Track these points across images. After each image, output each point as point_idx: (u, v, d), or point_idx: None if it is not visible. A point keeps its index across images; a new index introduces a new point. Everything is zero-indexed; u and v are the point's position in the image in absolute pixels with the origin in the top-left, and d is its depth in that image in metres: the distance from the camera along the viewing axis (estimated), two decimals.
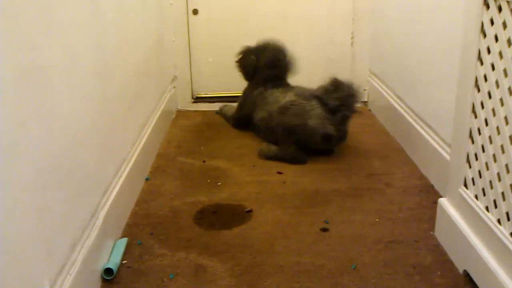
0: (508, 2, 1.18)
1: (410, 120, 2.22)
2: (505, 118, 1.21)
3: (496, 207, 1.27)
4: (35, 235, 1.05)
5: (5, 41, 0.94)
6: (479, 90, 1.34)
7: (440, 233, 1.60)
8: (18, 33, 0.99)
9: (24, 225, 1.01)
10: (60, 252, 1.18)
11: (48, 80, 1.13)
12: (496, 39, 1.24)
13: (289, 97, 2.28)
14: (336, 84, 2.25)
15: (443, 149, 1.86)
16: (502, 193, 1.23)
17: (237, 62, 2.59)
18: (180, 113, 2.91)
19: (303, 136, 2.20)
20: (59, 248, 1.18)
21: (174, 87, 2.89)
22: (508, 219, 1.21)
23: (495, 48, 1.24)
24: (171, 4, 2.79)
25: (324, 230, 1.67)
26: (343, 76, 2.92)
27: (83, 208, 1.35)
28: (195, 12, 2.85)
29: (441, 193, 1.84)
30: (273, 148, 2.25)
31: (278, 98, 2.34)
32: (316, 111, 2.19)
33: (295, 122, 2.20)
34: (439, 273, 1.45)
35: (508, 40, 1.19)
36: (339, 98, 2.20)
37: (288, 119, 2.22)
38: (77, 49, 1.33)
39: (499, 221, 1.26)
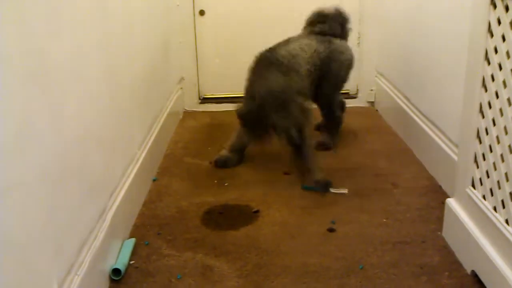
0: None
1: (417, 120, 2.21)
2: None
3: (504, 207, 1.26)
4: (44, 236, 1.06)
5: (15, 44, 0.95)
6: (486, 90, 1.34)
7: (447, 234, 1.59)
8: (27, 36, 1.00)
9: (33, 225, 1.01)
10: (68, 253, 1.19)
11: (56, 82, 1.14)
12: (503, 38, 1.24)
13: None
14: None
15: (451, 149, 1.85)
16: (510, 193, 1.23)
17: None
18: (187, 114, 2.91)
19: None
20: (67, 249, 1.19)
21: (181, 88, 2.89)
22: None
23: (502, 47, 1.24)
24: (177, 5, 2.80)
25: (331, 230, 1.67)
26: (350, 75, 2.92)
27: (91, 209, 1.36)
28: (202, 13, 2.85)
29: (448, 193, 1.84)
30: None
31: None
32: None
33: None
34: (446, 273, 1.44)
35: None
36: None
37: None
38: (85, 51, 1.34)
39: (507, 221, 1.25)
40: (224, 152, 2.21)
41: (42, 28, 1.07)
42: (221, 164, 2.17)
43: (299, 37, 2.25)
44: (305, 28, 2.34)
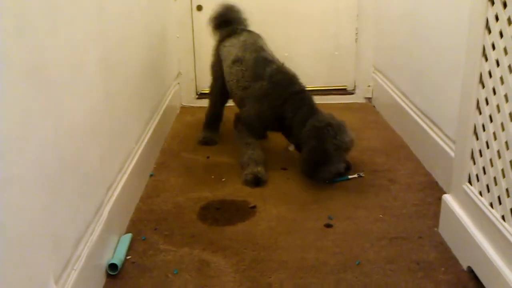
0: None
1: (415, 116, 2.22)
2: (510, 114, 1.20)
3: (500, 203, 1.27)
4: (41, 231, 1.06)
5: (12, 40, 0.94)
6: (483, 86, 1.34)
7: (444, 230, 1.60)
8: (24, 32, 0.99)
9: (30, 220, 1.01)
10: (65, 248, 1.19)
11: (54, 78, 1.13)
12: (501, 35, 1.24)
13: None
14: None
15: (448, 145, 1.85)
16: (507, 190, 1.23)
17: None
18: (184, 109, 2.91)
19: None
20: (64, 244, 1.19)
21: (178, 83, 2.89)
22: None
23: (500, 44, 1.24)
24: (175, 0, 2.79)
25: (328, 226, 1.68)
26: (347, 71, 2.93)
27: (88, 204, 1.36)
28: (199, 8, 2.84)
29: (445, 189, 1.84)
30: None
31: None
32: None
33: None
34: (443, 269, 1.45)
35: None
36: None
37: None
38: (82, 46, 1.33)
39: (503, 217, 1.25)
40: (253, 169, 2.00)
41: (39, 23, 1.07)
42: (263, 181, 1.98)
43: (259, 41, 2.21)
44: (220, 27, 2.32)
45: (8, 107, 0.93)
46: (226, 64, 2.21)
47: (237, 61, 2.14)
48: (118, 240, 1.57)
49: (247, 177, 1.97)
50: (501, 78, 1.24)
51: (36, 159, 1.04)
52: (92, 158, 1.40)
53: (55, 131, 1.14)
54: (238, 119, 2.13)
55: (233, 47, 2.21)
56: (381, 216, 1.73)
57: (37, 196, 1.05)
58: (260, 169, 2.00)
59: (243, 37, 2.23)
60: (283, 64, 2.11)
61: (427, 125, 2.08)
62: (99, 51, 1.48)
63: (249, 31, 2.31)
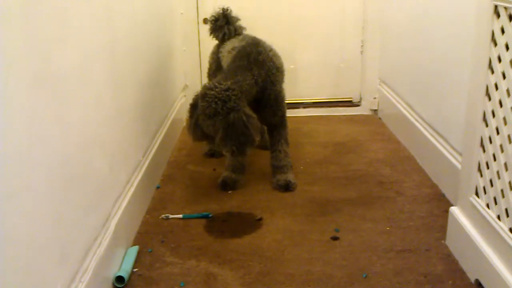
0: None
1: (421, 128, 2.22)
2: None
3: (508, 216, 1.26)
4: (49, 243, 1.07)
5: (22, 49, 0.96)
6: (490, 99, 1.34)
7: (451, 242, 1.59)
8: (34, 41, 1.01)
9: (38, 232, 1.02)
10: (72, 260, 1.19)
11: (62, 88, 1.15)
12: (507, 47, 1.24)
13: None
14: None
15: (454, 157, 1.85)
16: None
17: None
18: None
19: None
20: (72, 256, 1.19)
21: (185, 95, 2.90)
22: None
23: (506, 56, 1.24)
24: (181, 13, 2.81)
25: (335, 238, 1.67)
26: (353, 83, 2.94)
27: (95, 216, 1.36)
28: (206, 21, 2.86)
29: (452, 201, 1.84)
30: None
31: None
32: None
33: None
34: (450, 282, 1.44)
35: None
36: None
37: None
38: (90, 58, 1.35)
39: (511, 230, 1.25)
40: (228, 174, 2.07)
41: (49, 34, 1.08)
42: (231, 187, 2.05)
43: (258, 38, 2.15)
44: (223, 31, 2.26)
45: (17, 116, 0.94)
46: (224, 59, 2.15)
47: (232, 49, 2.09)
48: (125, 252, 1.57)
49: (218, 181, 2.07)
50: (508, 91, 1.24)
51: (44, 169, 1.05)
52: (99, 169, 1.41)
53: (63, 141, 1.14)
54: None
55: (231, 43, 2.18)
56: (388, 228, 1.73)
57: (45, 207, 1.05)
58: (232, 175, 2.07)
59: (242, 36, 2.22)
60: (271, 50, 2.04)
61: (433, 137, 2.08)
62: (107, 62, 1.49)
63: (249, 35, 2.27)
